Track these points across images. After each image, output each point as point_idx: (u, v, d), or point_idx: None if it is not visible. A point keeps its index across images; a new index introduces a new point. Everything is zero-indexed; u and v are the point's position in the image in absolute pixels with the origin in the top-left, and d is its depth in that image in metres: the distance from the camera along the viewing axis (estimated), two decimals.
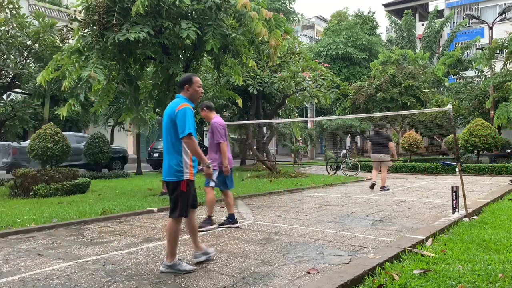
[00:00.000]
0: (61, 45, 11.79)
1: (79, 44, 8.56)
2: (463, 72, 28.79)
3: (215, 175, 5.60)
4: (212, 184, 5.69)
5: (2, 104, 12.86)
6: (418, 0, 39.38)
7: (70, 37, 11.22)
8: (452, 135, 12.80)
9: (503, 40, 17.32)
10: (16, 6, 11.81)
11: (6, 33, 11.86)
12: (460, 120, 22.16)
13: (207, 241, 4.96)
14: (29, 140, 10.50)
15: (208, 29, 8.12)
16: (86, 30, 8.65)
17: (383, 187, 10.32)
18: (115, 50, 8.29)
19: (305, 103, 20.81)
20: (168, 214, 3.91)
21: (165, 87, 9.06)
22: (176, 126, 3.73)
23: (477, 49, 28.66)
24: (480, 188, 10.43)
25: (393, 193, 9.79)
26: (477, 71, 25.95)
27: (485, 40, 28.73)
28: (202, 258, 4.03)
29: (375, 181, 10.42)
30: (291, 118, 18.70)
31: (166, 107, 3.98)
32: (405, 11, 36.05)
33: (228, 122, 14.70)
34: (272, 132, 18.49)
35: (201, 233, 5.44)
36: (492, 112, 18.09)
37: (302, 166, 22.18)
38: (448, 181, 12.39)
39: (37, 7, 23.65)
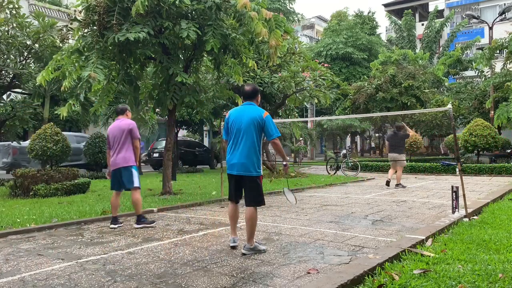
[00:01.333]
0: (61, 45, 11.76)
1: (79, 44, 8.55)
2: (463, 72, 28.77)
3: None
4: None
5: (2, 104, 12.85)
6: (418, 0, 39.39)
7: (70, 37, 11.20)
8: (452, 135, 12.79)
9: (503, 40, 17.32)
10: (16, 6, 11.78)
11: (6, 33, 11.84)
12: (460, 120, 22.13)
13: (207, 241, 4.96)
14: (29, 140, 10.50)
15: (208, 29, 8.11)
16: (86, 30, 8.64)
17: (398, 184, 11.00)
18: (115, 50, 8.29)
19: (305, 103, 20.78)
20: (233, 201, 4.72)
21: (165, 87, 9.04)
22: (260, 129, 4.36)
23: (477, 49, 28.64)
24: (480, 188, 10.43)
25: (393, 193, 9.79)
26: (477, 71, 25.92)
27: (485, 40, 28.73)
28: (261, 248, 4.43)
29: (389, 179, 11.11)
30: (291, 118, 18.67)
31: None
32: (405, 11, 36.06)
33: None
34: None
35: (202, 233, 5.44)
36: (492, 112, 18.08)
37: (302, 166, 22.18)
38: (448, 181, 12.39)
39: (37, 7, 23.66)
